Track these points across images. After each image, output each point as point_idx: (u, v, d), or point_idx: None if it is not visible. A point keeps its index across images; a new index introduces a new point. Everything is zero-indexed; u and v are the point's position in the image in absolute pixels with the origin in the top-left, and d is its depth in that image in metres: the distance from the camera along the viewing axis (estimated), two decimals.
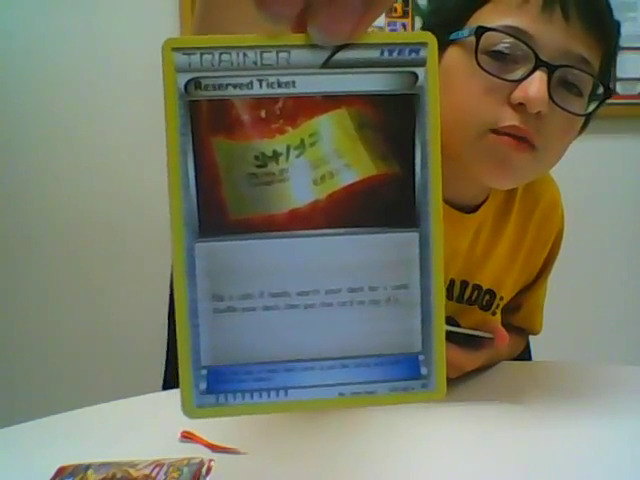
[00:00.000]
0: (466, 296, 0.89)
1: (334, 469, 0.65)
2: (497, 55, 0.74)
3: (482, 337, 0.80)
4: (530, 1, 0.74)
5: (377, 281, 0.33)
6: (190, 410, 0.33)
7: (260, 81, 0.31)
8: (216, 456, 0.64)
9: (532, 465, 0.65)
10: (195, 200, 0.32)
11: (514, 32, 0.73)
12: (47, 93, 1.75)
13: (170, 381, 1.12)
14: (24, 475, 0.63)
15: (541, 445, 0.69)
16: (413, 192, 0.32)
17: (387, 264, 0.33)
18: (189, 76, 0.31)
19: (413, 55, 0.32)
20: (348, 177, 0.32)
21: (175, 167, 0.32)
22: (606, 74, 0.81)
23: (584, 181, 2.00)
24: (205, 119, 0.32)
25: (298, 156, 0.32)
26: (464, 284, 0.89)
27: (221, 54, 0.31)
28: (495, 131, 0.74)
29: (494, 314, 0.93)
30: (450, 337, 0.78)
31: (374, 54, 0.32)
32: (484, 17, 0.75)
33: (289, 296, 0.32)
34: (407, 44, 0.32)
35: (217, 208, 0.32)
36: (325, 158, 0.32)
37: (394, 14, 1.78)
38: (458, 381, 0.84)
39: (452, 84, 0.77)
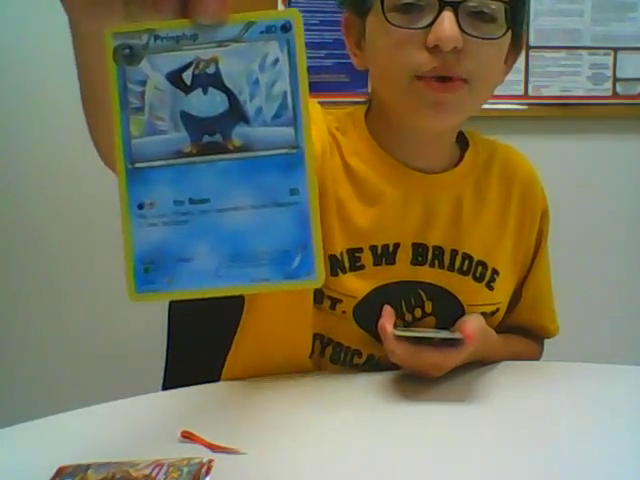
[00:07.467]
0: (457, 265, 0.91)
1: (334, 469, 0.65)
2: (405, 8, 0.79)
3: (453, 339, 0.81)
4: None
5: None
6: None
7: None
8: (216, 456, 0.64)
9: (532, 465, 0.65)
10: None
11: None
12: (47, 91, 1.75)
13: (170, 381, 1.13)
14: (24, 475, 0.63)
15: (541, 445, 0.69)
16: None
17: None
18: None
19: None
20: None
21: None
22: None
23: (584, 181, 2.00)
24: None
25: None
26: (454, 252, 0.91)
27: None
28: (420, 77, 0.80)
29: (491, 289, 0.93)
30: (427, 341, 0.81)
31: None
32: None
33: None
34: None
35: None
36: None
37: None
38: (458, 381, 0.84)
39: (375, 47, 0.84)
